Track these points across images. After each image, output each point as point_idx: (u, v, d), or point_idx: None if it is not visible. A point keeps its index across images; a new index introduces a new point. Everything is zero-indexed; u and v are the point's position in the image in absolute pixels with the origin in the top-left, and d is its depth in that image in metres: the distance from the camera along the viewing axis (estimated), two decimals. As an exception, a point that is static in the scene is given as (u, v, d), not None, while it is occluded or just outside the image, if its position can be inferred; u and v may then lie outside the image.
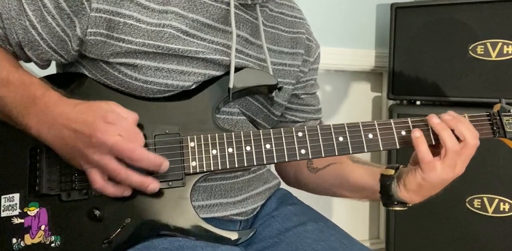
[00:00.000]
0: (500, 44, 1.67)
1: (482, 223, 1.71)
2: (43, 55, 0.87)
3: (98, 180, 0.77)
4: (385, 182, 0.92)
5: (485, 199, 1.70)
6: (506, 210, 1.67)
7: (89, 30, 0.82)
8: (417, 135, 0.86)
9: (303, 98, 1.11)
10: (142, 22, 0.83)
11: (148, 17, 0.83)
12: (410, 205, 0.92)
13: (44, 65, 0.92)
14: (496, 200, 1.69)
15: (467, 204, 1.73)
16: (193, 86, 0.88)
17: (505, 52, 1.66)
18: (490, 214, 1.70)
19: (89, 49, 0.84)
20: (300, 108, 1.11)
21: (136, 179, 0.78)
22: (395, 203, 0.92)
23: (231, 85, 0.88)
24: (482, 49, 1.69)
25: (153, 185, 0.79)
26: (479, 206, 1.71)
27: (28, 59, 0.90)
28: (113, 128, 0.75)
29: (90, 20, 0.81)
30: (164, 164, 0.79)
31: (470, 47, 1.71)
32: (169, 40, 0.84)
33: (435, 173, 0.85)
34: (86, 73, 0.89)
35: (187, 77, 0.87)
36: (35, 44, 0.85)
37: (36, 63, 0.91)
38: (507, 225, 1.68)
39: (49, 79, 0.88)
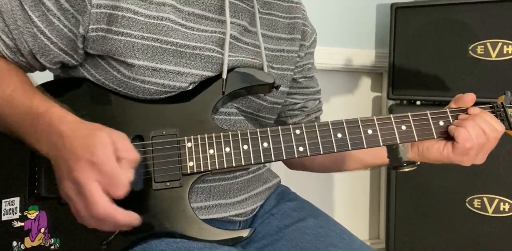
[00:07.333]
0: (500, 44, 1.66)
1: (482, 223, 1.71)
2: (55, 59, 0.87)
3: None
4: (391, 146, 0.96)
5: (485, 199, 1.70)
6: (506, 210, 1.67)
7: (90, 26, 0.82)
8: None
9: (301, 82, 1.11)
10: (140, 14, 0.84)
11: (146, 9, 0.84)
12: (418, 163, 0.97)
13: (57, 68, 0.91)
14: (496, 200, 1.69)
15: (467, 204, 1.73)
16: (190, 87, 0.88)
17: (505, 52, 1.66)
18: (490, 214, 1.70)
19: (91, 45, 0.85)
20: (300, 91, 1.11)
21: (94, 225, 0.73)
22: (404, 164, 0.96)
23: (224, 76, 0.88)
24: (482, 49, 1.69)
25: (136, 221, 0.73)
26: (479, 206, 1.71)
27: (43, 68, 0.89)
28: (93, 170, 0.69)
29: (92, 17, 0.82)
30: (134, 222, 0.72)
31: (470, 47, 1.71)
32: (167, 33, 0.85)
33: (467, 158, 0.90)
34: (85, 73, 0.89)
35: (184, 78, 0.87)
36: (46, 49, 0.85)
37: (50, 69, 0.90)
38: (507, 225, 1.67)
39: (48, 86, 0.88)
